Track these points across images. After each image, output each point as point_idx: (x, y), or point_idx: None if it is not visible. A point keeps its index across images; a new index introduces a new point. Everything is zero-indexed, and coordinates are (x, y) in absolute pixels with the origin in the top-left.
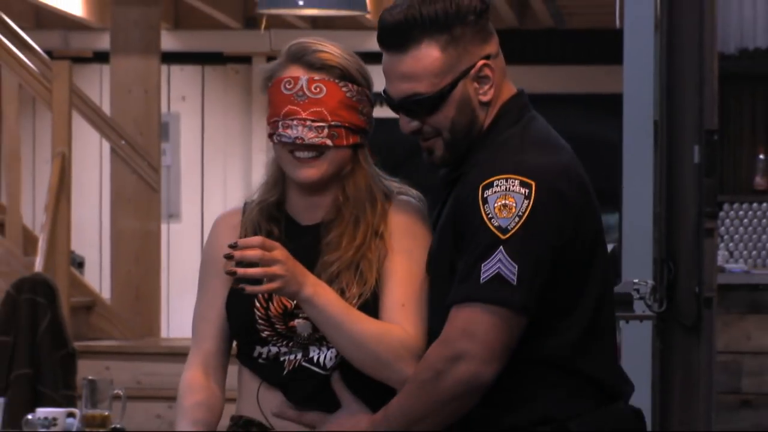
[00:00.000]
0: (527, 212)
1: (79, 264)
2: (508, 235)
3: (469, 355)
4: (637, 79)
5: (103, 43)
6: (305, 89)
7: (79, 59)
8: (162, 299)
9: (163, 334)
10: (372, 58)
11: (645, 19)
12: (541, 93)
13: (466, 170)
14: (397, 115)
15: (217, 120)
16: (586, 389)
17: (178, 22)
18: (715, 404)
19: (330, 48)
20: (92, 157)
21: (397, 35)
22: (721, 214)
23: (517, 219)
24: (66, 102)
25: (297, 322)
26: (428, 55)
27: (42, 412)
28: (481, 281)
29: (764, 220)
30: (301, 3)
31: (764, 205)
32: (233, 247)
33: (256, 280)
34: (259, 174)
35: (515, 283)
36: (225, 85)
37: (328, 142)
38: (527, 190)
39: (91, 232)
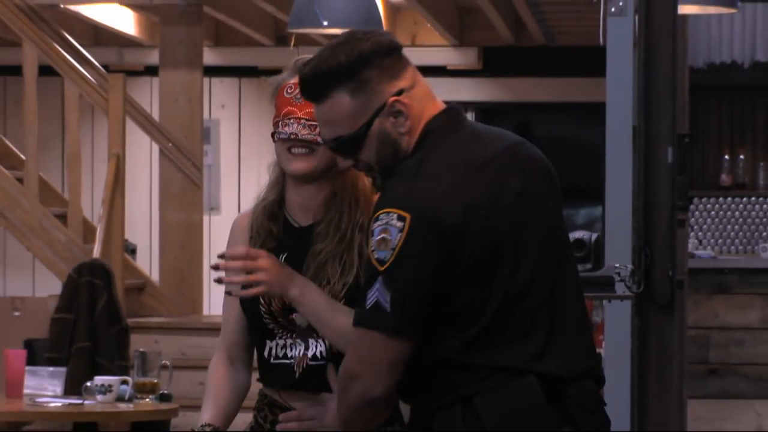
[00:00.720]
0: (399, 245)
1: (132, 251)
2: (384, 267)
3: (359, 375)
4: (618, 90)
5: (153, 58)
6: None
7: (132, 72)
8: (204, 281)
9: (205, 311)
10: None
11: (625, 37)
12: (535, 101)
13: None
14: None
15: (252, 125)
16: (493, 373)
17: (219, 40)
18: (686, 373)
19: None
20: (143, 158)
21: (311, 88)
22: (692, 207)
23: (390, 252)
24: (120, 110)
25: (295, 315)
26: (340, 102)
27: (99, 380)
28: (366, 307)
29: (729, 213)
30: (325, 23)
31: (729, 199)
32: (221, 257)
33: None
34: None
35: (389, 310)
36: (259, 94)
37: (319, 139)
38: (402, 224)
39: (143, 222)
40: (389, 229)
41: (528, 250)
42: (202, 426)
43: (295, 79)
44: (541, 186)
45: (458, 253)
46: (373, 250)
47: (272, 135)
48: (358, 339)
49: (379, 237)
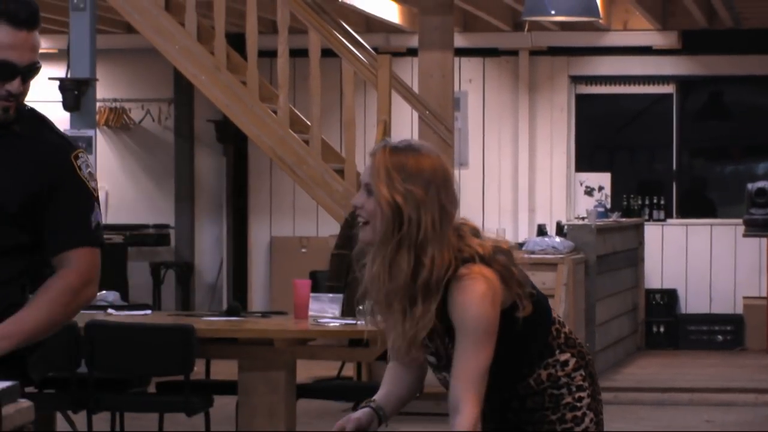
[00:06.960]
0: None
1: None
2: (96, 195)
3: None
4: None
5: (414, 42)
6: None
7: (397, 54)
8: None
9: None
10: (599, 51)
11: None
12: (726, 75)
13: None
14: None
15: (494, 96)
16: None
17: (466, 26)
18: None
19: None
20: (405, 123)
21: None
22: None
23: (95, 183)
24: (387, 84)
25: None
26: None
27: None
28: (91, 228)
29: None
30: (552, 12)
31: None
32: None
33: None
34: (525, 136)
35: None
36: (499, 71)
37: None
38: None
39: None
40: (90, 163)
41: None
42: (366, 401)
43: None
44: None
45: None
46: (89, 180)
47: None
48: (88, 256)
49: (88, 171)
